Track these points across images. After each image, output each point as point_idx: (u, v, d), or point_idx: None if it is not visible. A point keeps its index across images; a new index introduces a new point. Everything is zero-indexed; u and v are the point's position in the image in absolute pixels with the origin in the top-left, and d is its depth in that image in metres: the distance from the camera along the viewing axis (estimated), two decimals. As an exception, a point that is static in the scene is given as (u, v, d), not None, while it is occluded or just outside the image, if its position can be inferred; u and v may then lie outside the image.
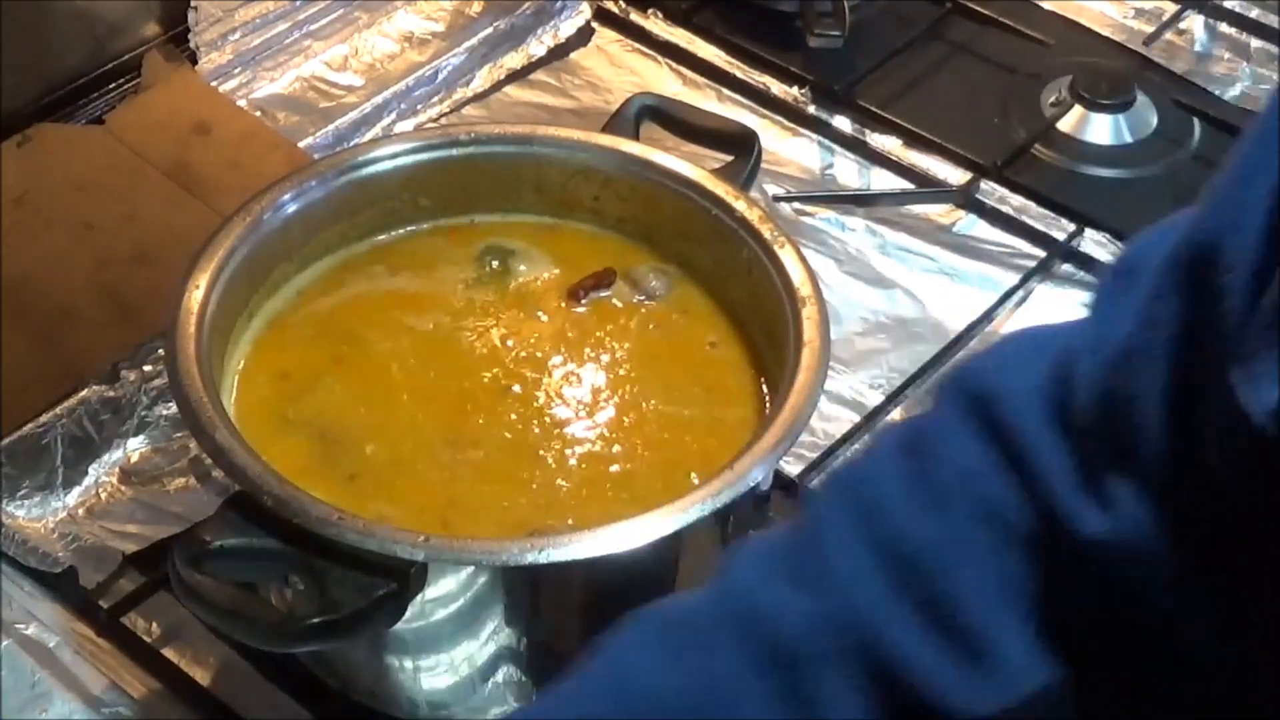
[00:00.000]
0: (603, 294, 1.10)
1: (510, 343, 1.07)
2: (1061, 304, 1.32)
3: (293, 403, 1.03)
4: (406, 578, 0.88)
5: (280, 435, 1.00)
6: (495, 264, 1.11)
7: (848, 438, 1.20)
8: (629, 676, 0.74)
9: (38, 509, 1.13)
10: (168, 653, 1.06)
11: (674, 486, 0.96)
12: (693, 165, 1.11)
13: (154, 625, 1.07)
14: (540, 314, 1.09)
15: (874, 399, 1.23)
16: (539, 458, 1.01)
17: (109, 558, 1.10)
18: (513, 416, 1.03)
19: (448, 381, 1.05)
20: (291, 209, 1.07)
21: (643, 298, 1.10)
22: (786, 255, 1.04)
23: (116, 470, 1.16)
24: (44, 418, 1.15)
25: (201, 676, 1.05)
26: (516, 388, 1.05)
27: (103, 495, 1.15)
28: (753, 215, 1.07)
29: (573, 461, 1.01)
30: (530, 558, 0.87)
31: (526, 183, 1.13)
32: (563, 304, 1.10)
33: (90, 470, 1.15)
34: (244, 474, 0.90)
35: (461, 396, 1.04)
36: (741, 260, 1.07)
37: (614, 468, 1.01)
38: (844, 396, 1.24)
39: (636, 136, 1.14)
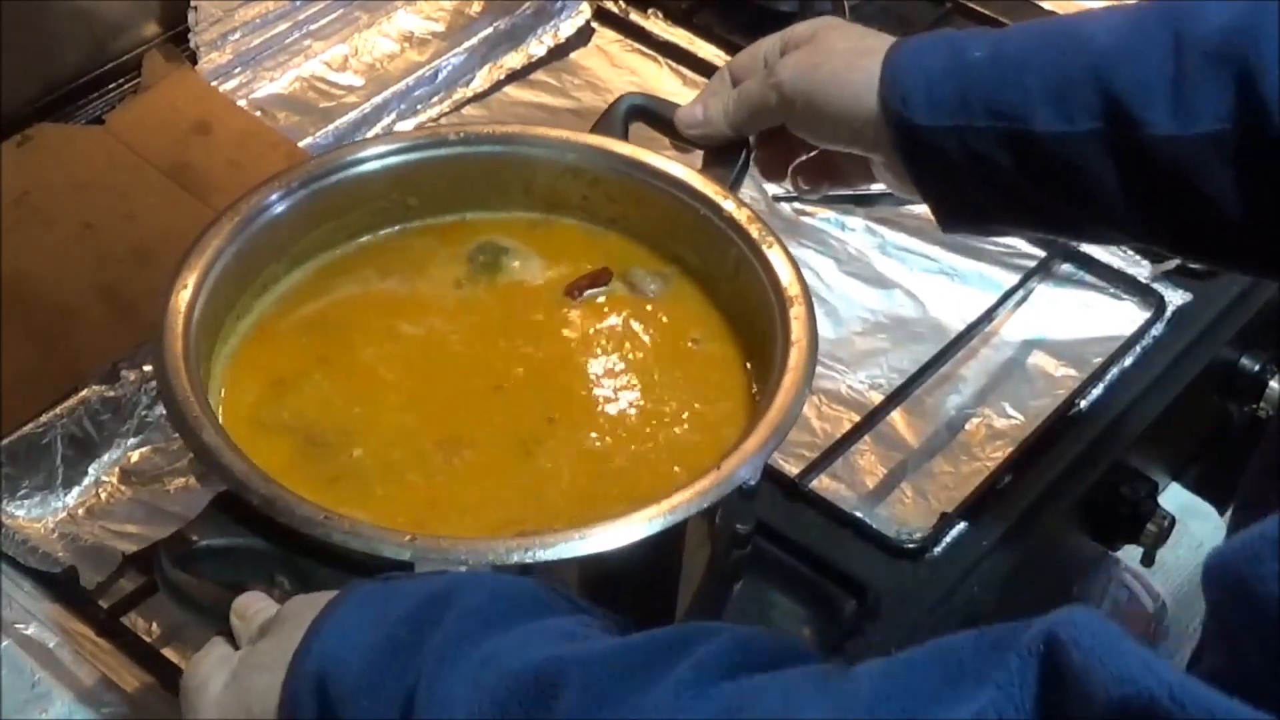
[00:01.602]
0: (598, 292, 1.10)
1: (501, 342, 1.07)
2: (1061, 304, 1.32)
3: (280, 403, 1.03)
4: (393, 578, 0.88)
5: (266, 437, 1.00)
6: (483, 259, 1.11)
7: (848, 437, 1.20)
8: None
9: (38, 509, 1.13)
10: (167, 652, 1.06)
11: (663, 482, 0.96)
12: (681, 165, 1.11)
13: (154, 625, 1.08)
14: (532, 313, 1.09)
15: (874, 398, 1.23)
16: (528, 457, 1.01)
17: (109, 558, 1.10)
18: (501, 417, 1.03)
19: (435, 382, 1.05)
20: (280, 208, 1.06)
21: (637, 296, 1.10)
22: (774, 255, 1.04)
23: (116, 470, 1.16)
24: (44, 418, 1.15)
25: (201, 676, 1.05)
26: (505, 386, 1.05)
27: (103, 495, 1.15)
28: (740, 215, 1.07)
29: (562, 460, 1.00)
30: (517, 558, 0.87)
31: (515, 182, 1.13)
32: (556, 302, 1.10)
33: (90, 470, 1.16)
34: (230, 473, 0.90)
35: (451, 396, 1.04)
36: (730, 260, 1.06)
37: (604, 465, 1.00)
38: (844, 396, 1.24)
39: (625, 136, 1.14)
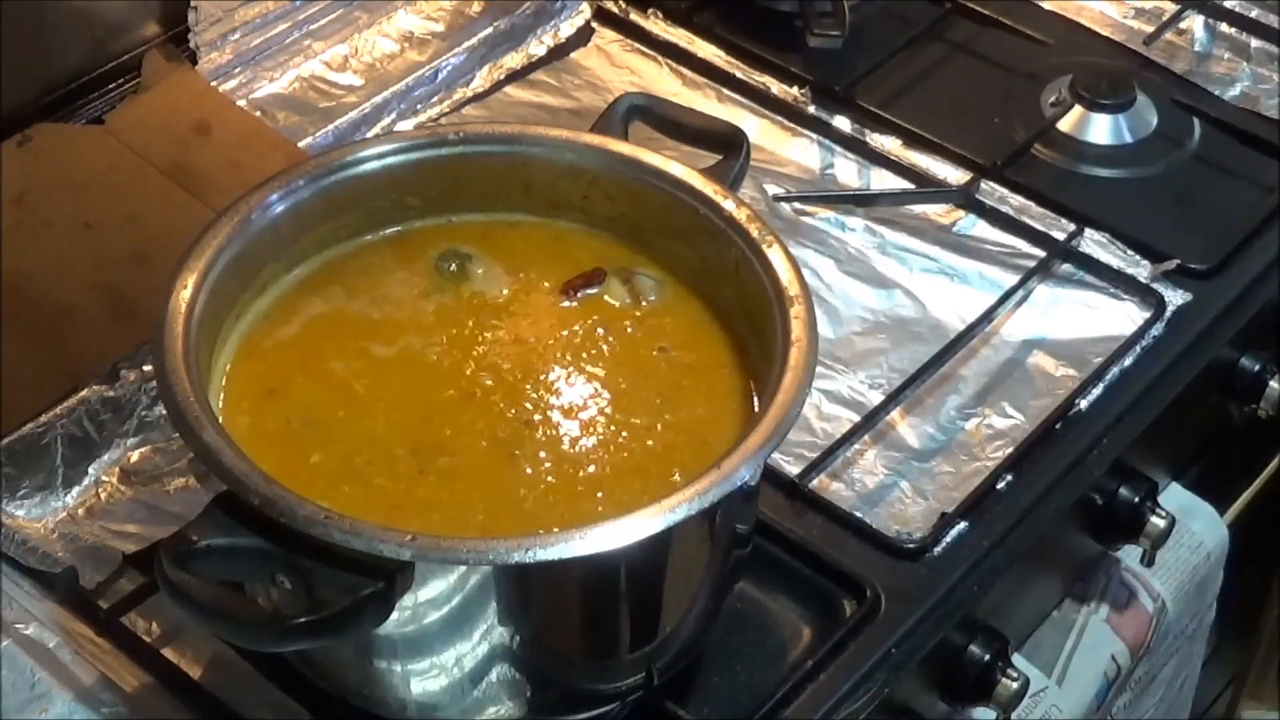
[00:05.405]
0: (591, 292, 1.10)
1: (493, 346, 1.06)
2: (1061, 304, 1.32)
3: (271, 408, 1.02)
4: (393, 577, 0.88)
5: (260, 439, 0.99)
6: (455, 267, 1.10)
7: (848, 437, 1.20)
8: None
9: (38, 509, 1.13)
10: (167, 652, 1.06)
11: (654, 487, 0.96)
12: (680, 164, 1.10)
13: (154, 625, 1.08)
14: (525, 314, 1.09)
15: (874, 398, 1.23)
16: (508, 460, 1.00)
17: (109, 558, 1.10)
18: (481, 422, 1.02)
19: (420, 389, 1.04)
20: (280, 208, 1.06)
21: (630, 297, 1.10)
22: (774, 254, 1.04)
23: (116, 470, 1.16)
24: (44, 418, 1.15)
25: (201, 676, 1.05)
26: (492, 390, 1.04)
27: (103, 495, 1.15)
28: (740, 214, 1.06)
29: (547, 465, 0.99)
30: (517, 557, 0.87)
31: (515, 182, 1.12)
32: (550, 303, 1.09)
33: (90, 470, 1.16)
34: (230, 473, 0.89)
35: (443, 403, 1.03)
36: (729, 259, 1.06)
37: (589, 470, 1.00)
38: (844, 396, 1.24)
39: (625, 136, 1.14)
